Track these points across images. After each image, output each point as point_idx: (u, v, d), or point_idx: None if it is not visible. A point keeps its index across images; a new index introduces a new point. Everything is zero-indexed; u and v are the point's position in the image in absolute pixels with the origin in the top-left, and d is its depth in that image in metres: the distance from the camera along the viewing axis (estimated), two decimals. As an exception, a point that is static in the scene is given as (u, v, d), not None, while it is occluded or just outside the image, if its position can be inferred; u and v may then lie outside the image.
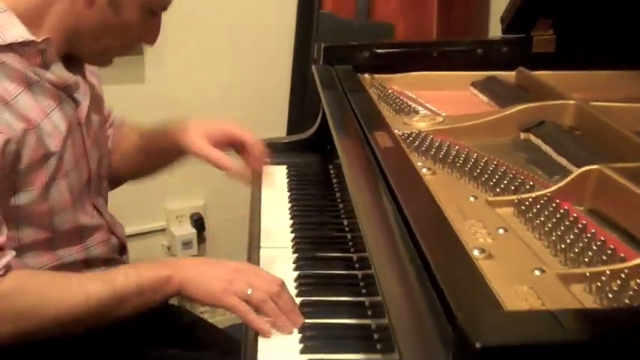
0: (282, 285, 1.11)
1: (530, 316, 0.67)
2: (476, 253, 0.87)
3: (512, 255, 0.89)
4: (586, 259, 0.86)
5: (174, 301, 1.51)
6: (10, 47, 1.09)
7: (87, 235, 1.25)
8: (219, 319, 2.22)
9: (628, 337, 0.61)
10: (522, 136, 1.40)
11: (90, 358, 1.24)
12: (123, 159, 1.46)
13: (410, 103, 1.62)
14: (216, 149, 1.30)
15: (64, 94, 1.18)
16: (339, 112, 1.48)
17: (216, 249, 2.53)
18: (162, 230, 2.47)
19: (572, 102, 1.41)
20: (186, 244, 2.43)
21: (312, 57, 2.36)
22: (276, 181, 1.70)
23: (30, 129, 1.10)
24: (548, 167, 1.23)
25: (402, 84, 1.79)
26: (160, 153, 1.45)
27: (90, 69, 1.30)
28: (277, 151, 1.83)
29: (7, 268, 1.05)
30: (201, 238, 2.47)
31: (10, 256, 1.07)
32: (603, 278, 0.81)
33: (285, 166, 1.77)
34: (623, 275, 0.81)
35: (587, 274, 0.82)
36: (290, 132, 2.44)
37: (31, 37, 1.10)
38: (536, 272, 0.84)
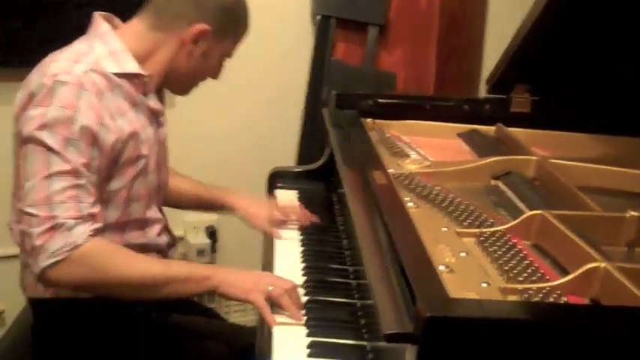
0: (295, 285, 1.43)
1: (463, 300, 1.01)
2: (442, 267, 1.19)
3: (468, 272, 1.20)
4: (520, 279, 1.19)
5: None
6: (126, 76, 1.47)
7: (147, 225, 1.58)
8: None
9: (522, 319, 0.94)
10: (492, 182, 1.72)
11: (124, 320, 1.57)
12: (172, 189, 1.81)
13: (403, 147, 1.94)
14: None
15: (154, 117, 1.55)
16: (344, 151, 1.80)
17: (227, 258, 2.84)
18: (180, 239, 2.78)
19: (534, 158, 1.74)
20: (201, 253, 2.74)
21: (321, 98, 2.68)
22: (289, 203, 2.00)
23: (132, 135, 1.47)
24: (510, 209, 1.55)
25: (399, 129, 2.11)
26: (208, 202, 1.90)
27: None
28: (290, 178, 2.16)
29: (96, 232, 1.38)
30: (214, 248, 2.79)
31: (98, 224, 1.39)
32: (530, 292, 1.13)
33: (296, 191, 2.09)
34: (544, 291, 1.13)
35: (519, 288, 1.14)
36: (299, 162, 2.75)
37: (141, 71, 1.48)
38: (484, 284, 1.16)
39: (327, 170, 2.08)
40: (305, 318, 1.38)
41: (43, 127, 1.35)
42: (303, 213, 1.84)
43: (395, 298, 1.08)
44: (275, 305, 1.40)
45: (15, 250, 1.51)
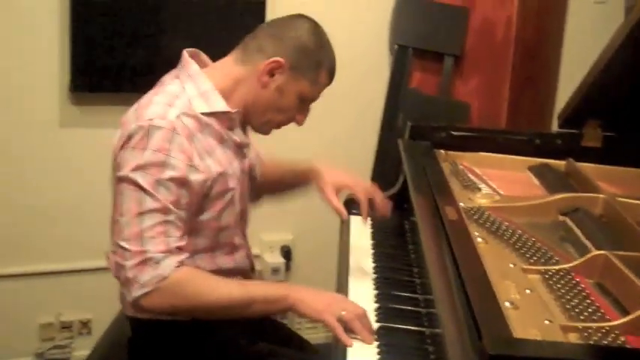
0: (365, 312, 1.53)
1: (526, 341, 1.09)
2: (507, 304, 1.27)
3: (532, 309, 1.28)
4: (581, 317, 1.26)
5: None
6: (214, 114, 1.59)
7: (236, 251, 1.72)
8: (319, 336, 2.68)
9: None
10: (560, 218, 1.78)
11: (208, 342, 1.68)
12: (263, 181, 1.92)
13: (475, 180, 2.02)
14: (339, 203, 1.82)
15: (239, 150, 1.68)
16: (417, 183, 1.89)
17: (300, 277, 2.98)
18: (257, 257, 2.91)
19: (602, 196, 1.80)
20: (275, 271, 2.88)
21: (397, 126, 2.78)
22: (363, 229, 2.11)
23: (220, 172, 1.59)
24: (576, 246, 1.61)
25: (471, 161, 2.19)
26: (292, 183, 1.99)
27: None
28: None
29: (182, 263, 1.51)
30: (288, 266, 2.92)
31: (184, 256, 1.52)
32: (590, 331, 1.20)
33: (368, 218, 2.18)
34: (603, 330, 1.20)
35: (580, 326, 1.22)
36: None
37: (228, 109, 1.60)
38: (546, 322, 1.23)
39: (401, 197, 2.15)
40: (376, 343, 1.48)
41: (138, 168, 1.48)
42: (380, 201, 1.91)
43: (461, 331, 1.17)
44: (346, 329, 1.50)
45: (101, 262, 1.64)
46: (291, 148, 2.89)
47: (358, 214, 2.20)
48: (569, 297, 1.34)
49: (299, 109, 1.69)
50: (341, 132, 2.97)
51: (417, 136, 2.24)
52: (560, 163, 2.15)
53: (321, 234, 2.71)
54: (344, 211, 1.80)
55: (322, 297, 1.55)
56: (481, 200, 1.84)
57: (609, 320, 1.24)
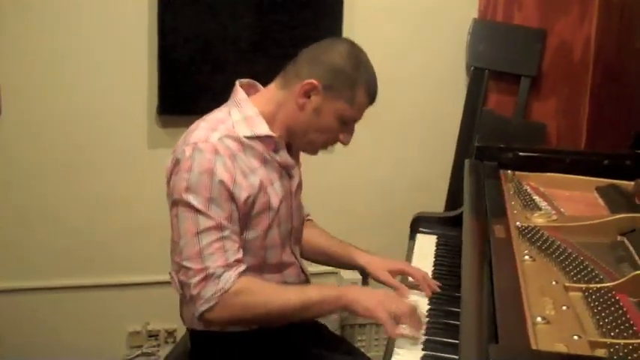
0: (415, 308, 1.62)
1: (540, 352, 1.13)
2: (538, 319, 1.30)
3: (564, 324, 1.30)
4: (612, 334, 1.28)
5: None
6: (258, 137, 1.69)
7: (284, 268, 1.80)
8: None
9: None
10: (619, 238, 1.78)
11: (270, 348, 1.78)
12: (307, 242, 2.00)
13: (537, 199, 2.04)
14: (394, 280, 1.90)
15: (284, 171, 1.76)
16: (474, 202, 1.94)
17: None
18: (335, 273, 2.99)
19: (659, 216, 1.78)
20: (353, 286, 2.94)
21: (472, 147, 2.81)
22: (426, 249, 2.16)
23: (262, 190, 1.68)
24: (633, 266, 1.61)
25: (537, 181, 2.21)
26: (335, 258, 2.03)
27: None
28: (432, 223, 2.31)
29: (241, 275, 1.62)
30: (365, 282, 2.98)
31: (242, 267, 1.63)
32: (617, 347, 1.22)
33: (435, 236, 2.23)
34: (631, 346, 1.22)
35: (608, 342, 1.24)
36: (447, 208, 2.88)
37: (271, 133, 1.70)
38: (575, 337, 1.26)
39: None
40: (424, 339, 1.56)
41: (188, 190, 1.60)
42: (424, 280, 1.88)
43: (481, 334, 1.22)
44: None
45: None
46: (365, 166, 3.00)
47: (426, 232, 2.28)
48: (604, 314, 1.35)
49: (341, 129, 1.74)
50: (417, 152, 3.03)
51: (483, 156, 2.28)
52: (629, 184, 2.14)
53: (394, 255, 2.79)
54: (405, 289, 1.83)
55: (374, 295, 1.65)
56: (538, 219, 1.86)
57: (640, 337, 1.26)
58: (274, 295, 1.65)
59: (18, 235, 2.73)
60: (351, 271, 2.93)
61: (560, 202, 2.05)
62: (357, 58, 1.72)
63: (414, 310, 1.61)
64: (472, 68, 2.91)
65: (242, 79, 1.79)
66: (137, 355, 2.87)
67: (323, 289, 1.68)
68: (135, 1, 2.66)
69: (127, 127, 2.74)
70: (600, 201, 2.08)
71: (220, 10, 2.66)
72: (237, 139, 1.66)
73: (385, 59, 2.91)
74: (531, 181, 2.22)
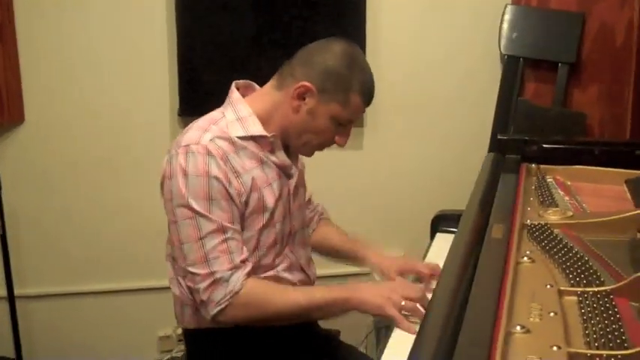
0: (424, 294, 1.58)
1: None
2: (517, 328, 1.19)
3: (545, 333, 1.18)
4: (596, 344, 1.15)
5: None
6: (252, 137, 1.65)
7: (280, 269, 1.74)
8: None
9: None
10: (638, 235, 1.64)
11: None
12: (319, 240, 1.99)
13: (557, 194, 1.90)
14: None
15: (282, 171, 1.71)
16: (481, 197, 1.82)
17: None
18: (367, 274, 2.91)
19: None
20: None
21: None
22: (443, 248, 2.05)
23: (255, 190, 1.64)
24: (645, 265, 1.48)
25: (563, 174, 2.07)
26: (346, 256, 2.00)
27: (300, 161, 1.82)
28: (454, 221, 2.19)
29: (249, 275, 1.59)
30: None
31: (249, 267, 1.60)
32: (597, 359, 1.10)
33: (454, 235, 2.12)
34: (613, 359, 1.09)
35: (588, 354, 1.11)
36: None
37: (265, 133, 1.65)
38: (554, 348, 1.13)
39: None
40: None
41: (186, 194, 1.56)
42: (433, 270, 1.82)
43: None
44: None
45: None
46: (399, 156, 2.90)
47: (446, 231, 2.18)
48: (594, 322, 1.22)
49: (337, 131, 1.69)
50: (452, 145, 2.92)
51: (505, 150, 2.15)
52: (661, 175, 1.98)
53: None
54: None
55: (381, 291, 1.61)
56: (552, 216, 1.73)
57: (630, 347, 1.13)
58: (284, 296, 1.62)
59: (51, 241, 2.78)
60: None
61: (584, 196, 1.91)
62: (352, 59, 1.66)
63: (423, 296, 1.58)
64: (506, 57, 2.77)
65: (239, 80, 1.76)
66: (167, 359, 2.86)
67: (332, 292, 1.64)
68: (153, 6, 2.65)
69: (149, 131, 2.74)
70: (628, 195, 1.93)
71: (240, 10, 2.62)
72: (229, 140, 1.63)
73: (413, 50, 2.83)
74: (558, 174, 2.08)
